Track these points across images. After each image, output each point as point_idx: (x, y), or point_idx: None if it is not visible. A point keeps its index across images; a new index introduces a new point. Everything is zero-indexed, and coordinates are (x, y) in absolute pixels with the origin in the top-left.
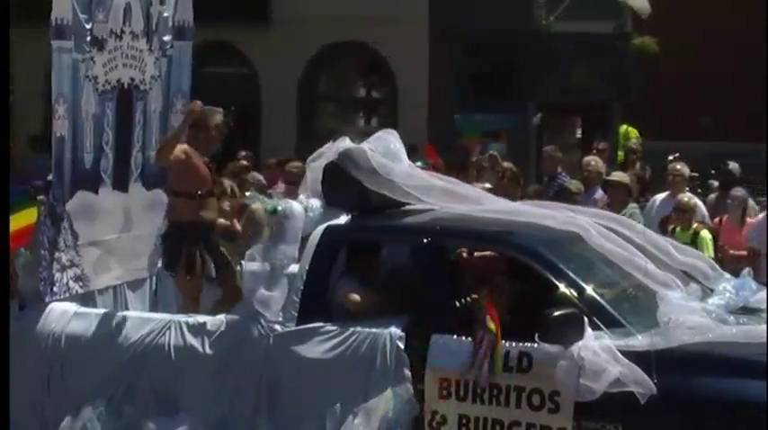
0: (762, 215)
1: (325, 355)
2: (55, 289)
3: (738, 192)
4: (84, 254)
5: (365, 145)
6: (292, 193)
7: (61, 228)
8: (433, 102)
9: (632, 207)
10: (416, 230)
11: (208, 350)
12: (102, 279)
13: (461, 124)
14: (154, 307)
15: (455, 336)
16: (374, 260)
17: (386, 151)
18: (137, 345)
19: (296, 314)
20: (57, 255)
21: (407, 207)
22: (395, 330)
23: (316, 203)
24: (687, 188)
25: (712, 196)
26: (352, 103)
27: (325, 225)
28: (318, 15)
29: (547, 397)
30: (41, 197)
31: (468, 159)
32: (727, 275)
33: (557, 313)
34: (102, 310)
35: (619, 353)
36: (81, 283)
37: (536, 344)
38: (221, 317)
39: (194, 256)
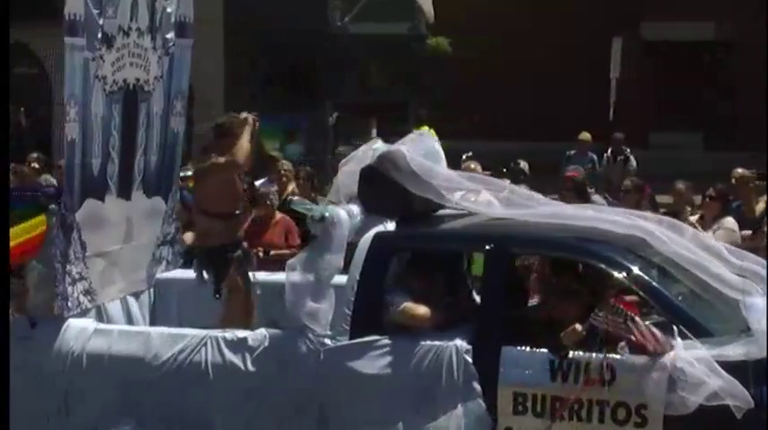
0: None
1: (383, 371)
2: (69, 304)
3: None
4: (91, 266)
5: (402, 146)
6: None
7: (71, 240)
8: (228, 102)
9: None
10: (477, 237)
11: (250, 367)
12: (108, 292)
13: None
14: (153, 320)
15: (527, 348)
16: (430, 269)
17: (427, 152)
18: (168, 364)
19: (348, 328)
20: (68, 267)
21: (448, 211)
22: (461, 343)
23: (356, 209)
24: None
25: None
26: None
27: (373, 232)
28: None
29: (633, 410)
30: (52, 206)
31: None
32: None
33: (647, 323)
34: (124, 327)
35: (716, 364)
36: (90, 298)
37: (619, 356)
38: (262, 331)
39: (243, 276)
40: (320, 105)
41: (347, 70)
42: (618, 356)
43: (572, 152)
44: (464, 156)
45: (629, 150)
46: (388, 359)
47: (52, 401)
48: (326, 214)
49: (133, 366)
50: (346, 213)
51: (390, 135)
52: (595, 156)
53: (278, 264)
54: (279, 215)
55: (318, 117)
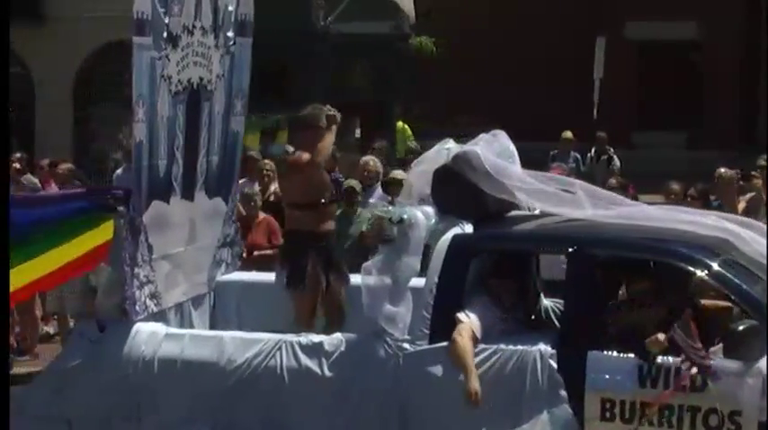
0: None
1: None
2: (137, 307)
3: None
4: (157, 269)
5: (476, 146)
6: None
7: (139, 242)
8: None
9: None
10: (559, 239)
11: (327, 372)
12: (172, 295)
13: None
14: (213, 324)
15: (614, 353)
16: (511, 272)
17: (501, 152)
18: (243, 369)
19: (427, 331)
20: (136, 271)
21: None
22: (545, 347)
23: (430, 211)
24: None
25: None
26: (129, 103)
27: (450, 234)
28: (95, 14)
29: (726, 417)
30: (121, 208)
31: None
32: None
33: (742, 327)
34: (196, 331)
35: None
36: (156, 301)
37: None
38: (339, 335)
39: (318, 271)
40: (304, 105)
41: (331, 69)
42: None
43: (555, 151)
44: None
45: (612, 150)
46: None
47: (122, 407)
48: (404, 216)
49: (206, 371)
50: (423, 215)
51: (374, 135)
52: (579, 156)
53: (262, 265)
54: (262, 215)
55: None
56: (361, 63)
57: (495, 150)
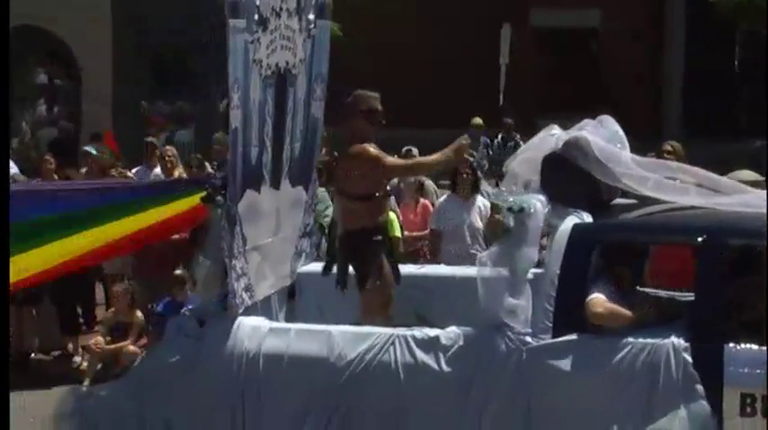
0: (442, 198)
1: (593, 371)
2: (237, 301)
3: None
4: (250, 260)
5: (584, 132)
6: None
7: (234, 233)
8: (117, 89)
9: (320, 191)
10: (688, 228)
11: (445, 367)
12: (261, 288)
13: (149, 111)
14: (291, 317)
15: (753, 346)
16: (634, 263)
17: (611, 137)
18: (354, 365)
19: (550, 324)
20: (233, 262)
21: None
22: (678, 340)
23: (544, 199)
24: None
25: (395, 181)
26: (33, 89)
27: (570, 223)
28: None
29: None
30: (218, 198)
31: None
32: None
33: None
34: (302, 325)
35: None
36: (250, 294)
37: None
38: (455, 329)
39: (383, 263)
40: (207, 93)
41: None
42: None
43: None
44: None
45: (519, 136)
46: (599, 358)
47: (225, 404)
48: (525, 205)
49: (316, 367)
50: (540, 204)
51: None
52: (489, 141)
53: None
54: None
55: (207, 104)
56: None
57: (603, 136)
